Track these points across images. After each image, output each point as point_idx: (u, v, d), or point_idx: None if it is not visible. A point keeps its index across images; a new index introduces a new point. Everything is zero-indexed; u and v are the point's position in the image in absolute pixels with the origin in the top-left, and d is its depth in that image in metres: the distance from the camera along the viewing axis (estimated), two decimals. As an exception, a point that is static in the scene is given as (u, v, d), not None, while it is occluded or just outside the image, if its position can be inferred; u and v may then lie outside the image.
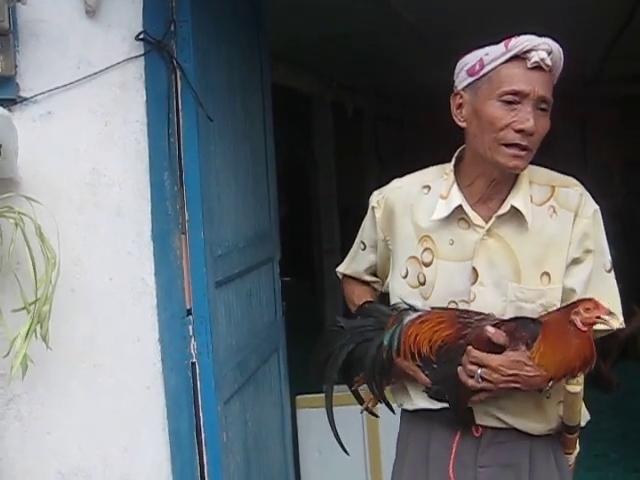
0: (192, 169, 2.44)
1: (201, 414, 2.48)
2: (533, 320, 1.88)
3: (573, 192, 1.97)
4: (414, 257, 2.00)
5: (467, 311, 1.92)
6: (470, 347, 1.85)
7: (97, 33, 2.34)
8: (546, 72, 1.87)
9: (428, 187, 2.03)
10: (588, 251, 1.96)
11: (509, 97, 1.86)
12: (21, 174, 2.28)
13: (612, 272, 2.00)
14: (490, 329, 1.83)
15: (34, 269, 2.18)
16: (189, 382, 2.46)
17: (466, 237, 1.95)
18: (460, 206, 1.95)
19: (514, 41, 1.87)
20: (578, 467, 4.46)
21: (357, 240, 2.20)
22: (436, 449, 1.99)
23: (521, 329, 1.84)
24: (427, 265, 1.98)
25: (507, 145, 1.87)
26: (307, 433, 4.06)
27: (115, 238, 2.37)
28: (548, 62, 1.86)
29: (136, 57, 2.35)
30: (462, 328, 1.89)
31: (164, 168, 2.38)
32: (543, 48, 1.85)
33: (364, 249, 2.16)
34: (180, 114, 2.43)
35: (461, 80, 1.95)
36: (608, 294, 1.97)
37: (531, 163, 1.96)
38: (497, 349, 1.83)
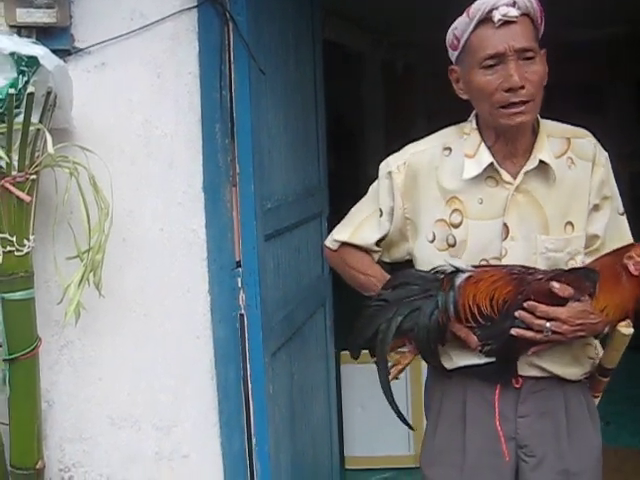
0: (243, 121, 2.44)
1: (248, 365, 2.52)
2: (588, 269, 1.92)
3: (587, 142, 2.01)
4: (442, 220, 1.99)
5: (514, 266, 1.93)
6: (533, 302, 1.86)
7: (151, -16, 2.34)
8: (517, 22, 1.86)
9: (449, 149, 2.02)
10: (606, 197, 2.01)
11: (488, 62, 1.87)
12: (75, 124, 2.31)
13: (624, 215, 2.07)
14: (556, 284, 1.85)
15: (88, 218, 2.22)
16: (237, 333, 2.49)
17: (495, 194, 1.96)
18: (491, 164, 1.95)
19: (473, 7, 1.87)
20: (622, 430, 4.43)
21: (366, 207, 2.11)
22: (474, 405, 2.00)
23: (583, 280, 1.88)
24: (456, 226, 1.98)
25: (504, 107, 1.88)
26: (350, 388, 4.09)
27: (167, 189, 2.39)
28: (514, 13, 1.85)
29: (189, 9, 2.36)
30: (518, 284, 1.89)
31: (216, 120, 2.39)
32: (503, 3, 1.84)
33: (381, 216, 2.07)
34: (232, 67, 2.43)
35: (451, 55, 1.98)
36: (623, 236, 2.04)
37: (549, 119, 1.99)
38: (558, 302, 1.86)
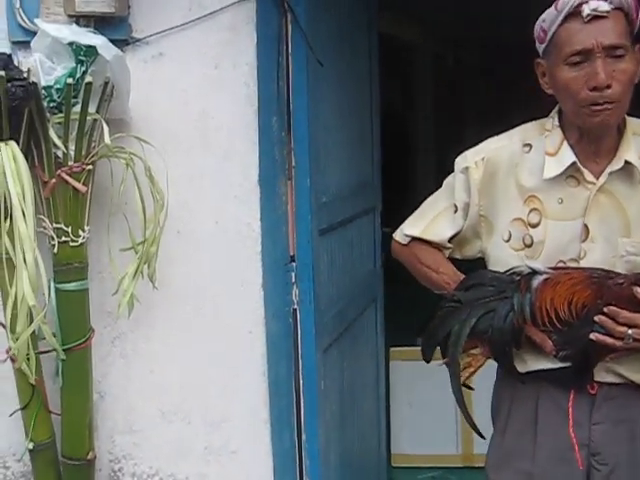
0: (300, 114, 2.41)
1: (300, 361, 2.49)
2: None
3: None
4: (519, 219, 1.93)
5: (594, 269, 1.86)
6: (615, 308, 1.79)
7: (209, -26, 2.32)
8: (608, 17, 1.78)
9: (529, 145, 1.95)
10: None
11: (574, 58, 1.79)
12: (132, 115, 2.30)
13: None
14: (639, 289, 1.78)
15: (143, 210, 2.21)
16: (290, 329, 2.46)
17: (576, 194, 1.89)
18: (574, 163, 1.88)
19: (562, 0, 1.79)
20: None
21: (440, 202, 2.05)
22: (547, 410, 1.94)
23: None
24: (534, 226, 1.92)
25: (588, 105, 1.80)
26: (399, 385, 4.06)
27: (222, 182, 2.37)
28: (604, 8, 1.76)
29: (247, 0, 2.32)
30: (598, 288, 1.82)
31: (273, 112, 2.36)
32: None
33: (455, 212, 2.01)
34: (290, 58, 2.40)
35: (538, 48, 1.91)
36: None
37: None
38: (638, 308, 1.78)
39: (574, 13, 1.78)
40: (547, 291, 1.85)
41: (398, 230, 2.12)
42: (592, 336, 1.81)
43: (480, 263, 2.03)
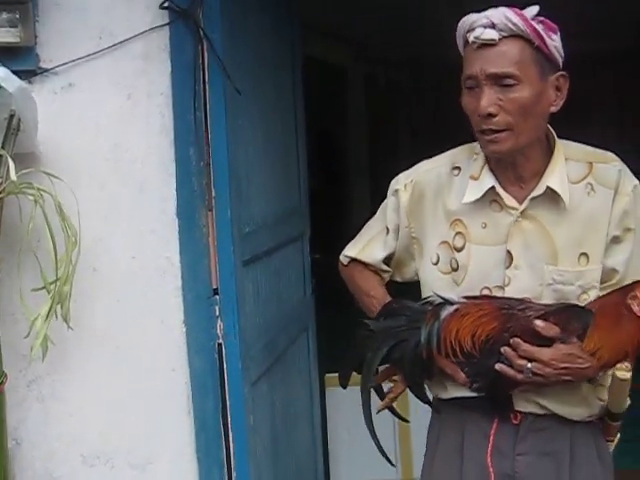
0: (219, 144, 2.35)
1: (227, 397, 2.42)
2: (582, 308, 1.81)
3: (612, 168, 1.87)
4: (445, 242, 1.92)
5: (507, 299, 1.84)
6: (517, 340, 1.77)
7: (119, 1, 2.26)
8: (499, 45, 1.75)
9: (458, 168, 1.94)
10: (628, 229, 1.87)
11: (468, 82, 1.80)
12: (41, 149, 2.23)
13: None
14: (539, 322, 1.76)
15: (54, 248, 2.12)
16: (215, 364, 2.39)
17: (499, 220, 1.87)
18: (492, 188, 1.86)
19: (458, 26, 1.81)
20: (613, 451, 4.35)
21: (375, 224, 2.06)
22: (472, 438, 1.92)
23: (572, 320, 1.77)
24: (459, 250, 1.90)
25: (481, 132, 1.81)
26: (336, 412, 3.99)
27: (138, 216, 2.30)
28: (489, 36, 1.75)
29: (160, 27, 2.27)
30: (506, 320, 1.80)
31: (190, 143, 2.30)
32: (480, 24, 1.75)
33: (387, 234, 2.02)
34: (206, 87, 2.33)
35: None
36: None
37: (561, 137, 1.88)
38: (545, 342, 1.76)
39: (469, 41, 1.78)
40: (453, 322, 1.84)
41: (344, 250, 2.13)
42: (497, 367, 1.79)
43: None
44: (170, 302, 2.32)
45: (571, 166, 1.87)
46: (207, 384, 2.38)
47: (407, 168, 2.03)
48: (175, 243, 2.31)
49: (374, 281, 2.06)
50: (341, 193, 7.01)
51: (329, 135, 7.15)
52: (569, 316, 1.78)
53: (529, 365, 1.76)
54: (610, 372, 1.85)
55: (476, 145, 1.92)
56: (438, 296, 1.88)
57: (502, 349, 1.79)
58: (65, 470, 2.36)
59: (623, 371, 1.81)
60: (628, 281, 1.84)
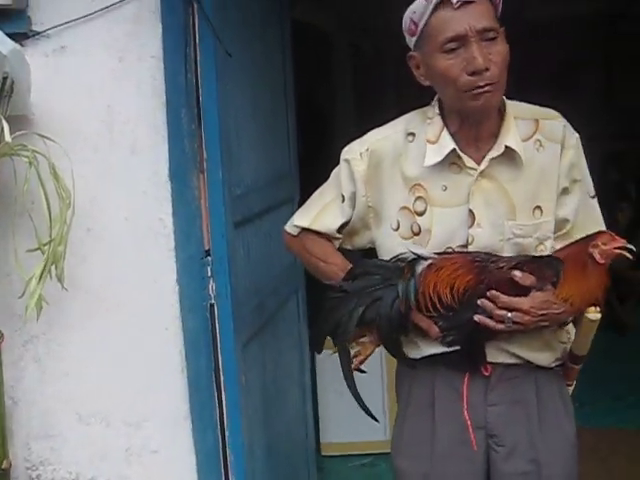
0: (210, 106, 2.36)
1: (220, 356, 2.45)
2: (551, 257, 1.88)
3: (557, 124, 1.95)
4: (405, 207, 1.94)
5: (477, 253, 1.88)
6: (495, 292, 1.82)
7: (110, -37, 2.26)
8: (477, 2, 1.80)
9: (412, 134, 1.96)
10: (575, 180, 1.96)
11: (449, 45, 1.80)
12: (34, 111, 2.24)
13: (595, 198, 2.03)
14: (517, 273, 1.82)
15: (49, 209, 2.14)
16: (208, 324, 2.42)
17: (459, 181, 1.91)
18: (453, 150, 1.89)
19: None
20: (596, 410, 4.46)
21: (328, 193, 2.05)
22: (443, 392, 1.96)
23: (545, 268, 1.84)
24: (420, 214, 1.93)
25: (469, 90, 1.82)
26: (326, 374, 4.04)
27: (131, 177, 2.32)
28: None
29: (151, -11, 2.27)
30: (480, 272, 1.85)
31: (181, 105, 2.31)
32: None
33: (343, 201, 2.02)
34: (197, 49, 2.34)
35: (408, 42, 1.91)
36: (595, 220, 2.01)
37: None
38: (521, 291, 1.82)
39: (443, 1, 1.79)
40: (430, 277, 1.87)
41: (289, 221, 2.11)
42: (476, 317, 1.84)
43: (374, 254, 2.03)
44: (163, 263, 2.34)
45: (520, 124, 1.92)
46: (200, 343, 2.41)
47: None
48: (168, 205, 2.33)
49: (329, 248, 2.06)
50: (331, 160, 7.00)
51: (318, 101, 7.14)
52: (542, 265, 1.85)
53: (509, 315, 1.82)
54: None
55: (427, 110, 1.96)
56: (412, 252, 1.90)
57: (479, 301, 1.84)
58: (61, 428, 2.39)
59: (594, 312, 1.90)
60: (578, 228, 1.95)
